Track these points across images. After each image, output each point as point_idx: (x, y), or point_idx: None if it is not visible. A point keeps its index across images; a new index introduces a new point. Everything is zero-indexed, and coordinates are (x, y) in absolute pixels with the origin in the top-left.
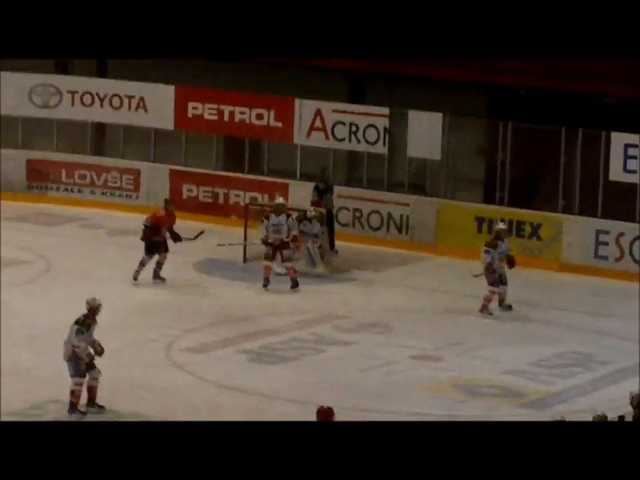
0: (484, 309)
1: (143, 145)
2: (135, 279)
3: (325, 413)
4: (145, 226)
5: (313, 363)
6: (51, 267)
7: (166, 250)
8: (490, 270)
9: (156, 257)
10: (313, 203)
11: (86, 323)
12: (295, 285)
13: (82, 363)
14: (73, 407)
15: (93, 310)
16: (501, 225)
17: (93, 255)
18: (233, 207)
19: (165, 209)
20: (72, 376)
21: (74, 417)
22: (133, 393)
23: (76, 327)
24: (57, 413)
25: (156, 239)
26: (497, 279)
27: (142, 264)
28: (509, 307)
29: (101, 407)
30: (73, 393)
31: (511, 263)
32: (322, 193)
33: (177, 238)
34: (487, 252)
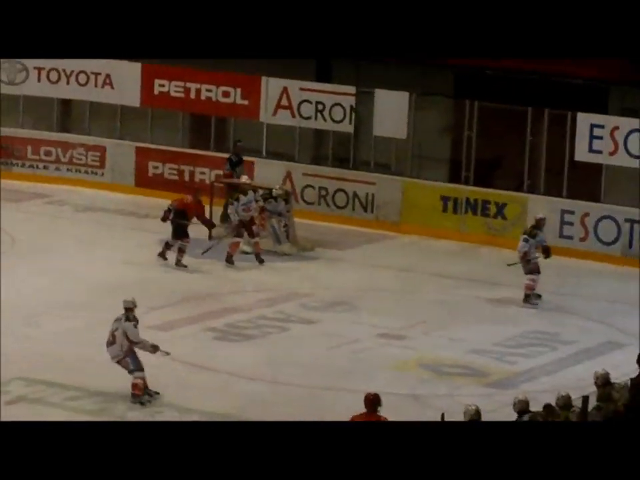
0: (527, 299)
1: (108, 122)
2: (183, 265)
3: (373, 400)
4: (169, 209)
5: (278, 341)
6: (16, 243)
7: (188, 236)
8: (525, 259)
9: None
10: (226, 175)
11: (135, 319)
12: (260, 260)
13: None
14: (136, 397)
15: (132, 309)
16: (542, 215)
17: (58, 231)
18: (198, 184)
19: (194, 197)
20: (133, 370)
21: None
22: (99, 371)
23: (132, 324)
24: (19, 391)
25: (183, 223)
26: (534, 268)
27: (180, 250)
28: (539, 296)
29: (157, 393)
30: (136, 385)
31: (547, 252)
32: (234, 165)
33: (211, 225)
34: (525, 240)
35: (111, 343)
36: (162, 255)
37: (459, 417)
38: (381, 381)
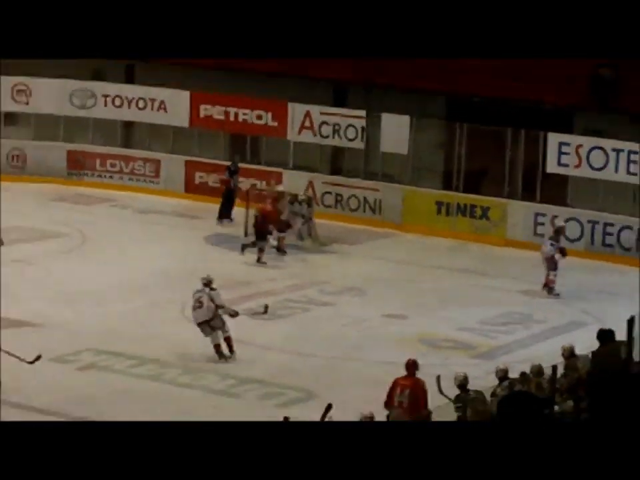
0: (550, 291)
1: (163, 140)
2: (259, 260)
3: (413, 364)
4: (256, 216)
5: (301, 319)
6: (86, 239)
7: (267, 238)
8: (552, 260)
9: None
10: (223, 181)
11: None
12: (283, 252)
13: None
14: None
15: (210, 283)
16: (562, 222)
17: (121, 229)
18: (238, 191)
19: (272, 205)
20: (222, 327)
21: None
22: (153, 342)
23: (217, 292)
24: (89, 359)
25: (264, 228)
26: (555, 266)
27: (260, 249)
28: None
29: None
30: (231, 338)
31: (564, 253)
32: (232, 174)
33: (285, 227)
34: (552, 245)
35: (198, 307)
36: (242, 249)
37: (451, 382)
38: (386, 353)
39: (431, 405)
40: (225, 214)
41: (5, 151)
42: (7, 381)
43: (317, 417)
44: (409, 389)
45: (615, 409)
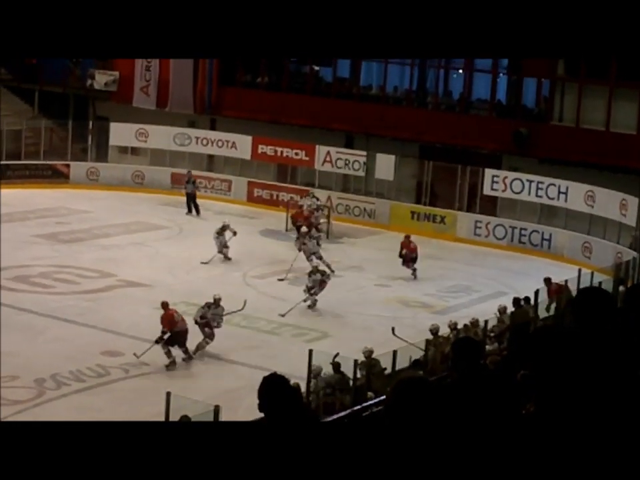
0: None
1: (234, 167)
2: None
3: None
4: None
5: None
6: (182, 230)
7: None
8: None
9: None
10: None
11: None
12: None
13: None
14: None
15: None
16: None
17: (204, 223)
18: (281, 202)
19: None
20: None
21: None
22: (223, 298)
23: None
24: (182, 309)
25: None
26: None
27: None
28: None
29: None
30: None
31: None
32: (187, 183)
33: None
34: None
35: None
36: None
37: (413, 330)
38: (376, 309)
39: (388, 348)
40: (190, 211)
41: (130, 172)
42: (129, 323)
43: (329, 350)
44: None
45: (525, 351)
